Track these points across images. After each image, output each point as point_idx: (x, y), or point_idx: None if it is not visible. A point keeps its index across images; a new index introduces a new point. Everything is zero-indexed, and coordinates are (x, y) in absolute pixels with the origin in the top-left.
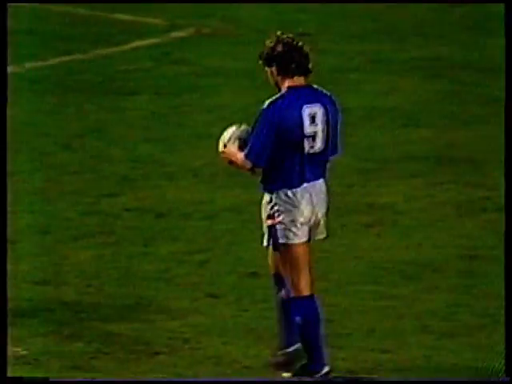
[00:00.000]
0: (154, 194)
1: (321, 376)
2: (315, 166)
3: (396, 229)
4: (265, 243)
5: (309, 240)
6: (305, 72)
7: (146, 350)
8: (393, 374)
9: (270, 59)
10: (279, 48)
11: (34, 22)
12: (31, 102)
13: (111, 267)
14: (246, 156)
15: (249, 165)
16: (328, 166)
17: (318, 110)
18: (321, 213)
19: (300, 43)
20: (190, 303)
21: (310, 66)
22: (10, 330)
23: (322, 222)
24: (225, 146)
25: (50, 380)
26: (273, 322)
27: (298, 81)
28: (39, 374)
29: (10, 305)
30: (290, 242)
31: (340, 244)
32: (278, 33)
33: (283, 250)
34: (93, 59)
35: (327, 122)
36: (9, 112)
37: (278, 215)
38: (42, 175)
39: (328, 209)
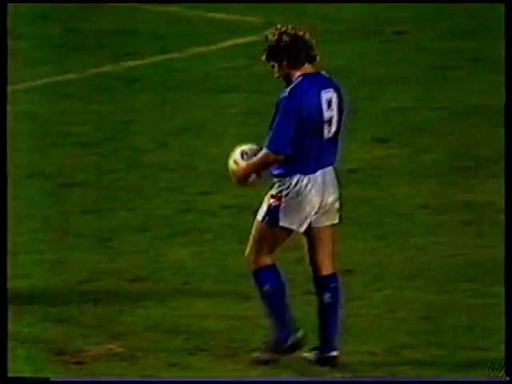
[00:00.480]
0: (250, 192)
1: (327, 357)
2: (331, 152)
3: (494, 227)
4: (259, 218)
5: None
6: (313, 59)
7: (243, 347)
8: (490, 371)
9: (277, 53)
10: (285, 40)
11: (131, 21)
12: (127, 101)
13: (208, 264)
14: (268, 147)
15: (272, 156)
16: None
17: (332, 94)
18: (331, 198)
19: (301, 32)
20: None
21: (315, 52)
22: (106, 327)
23: (333, 208)
24: (236, 163)
25: (51, 380)
26: (368, 320)
27: (308, 69)
28: (135, 372)
29: (104, 302)
30: (290, 226)
31: (437, 242)
32: (279, 25)
33: (270, 228)
34: (189, 58)
35: (339, 107)
36: (105, 110)
37: (285, 199)
38: (138, 173)
39: (340, 195)
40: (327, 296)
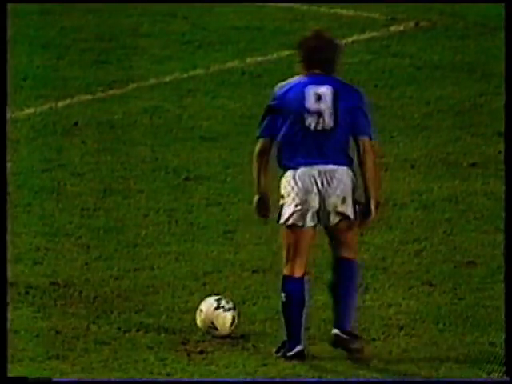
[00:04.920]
0: None
1: (292, 355)
2: (326, 148)
3: None
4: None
5: (314, 226)
6: (315, 66)
7: (363, 337)
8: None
9: (298, 54)
10: (301, 44)
11: (256, 17)
12: (252, 96)
13: (327, 256)
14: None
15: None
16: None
17: (325, 90)
18: (333, 200)
19: (329, 40)
20: (405, 291)
21: (326, 60)
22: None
23: (337, 210)
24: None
25: (53, 380)
26: (489, 311)
27: (315, 71)
28: (254, 361)
29: (227, 293)
30: (287, 222)
31: None
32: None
33: (283, 229)
34: None
35: (335, 103)
36: (230, 105)
37: (285, 195)
38: None
39: (343, 200)
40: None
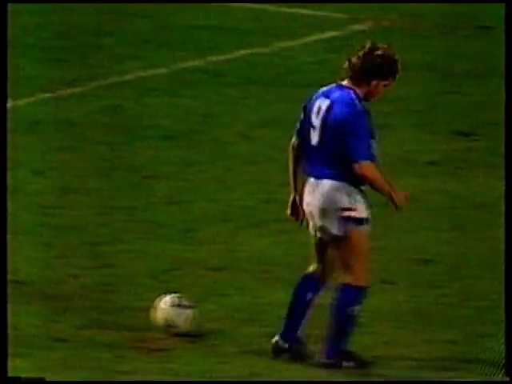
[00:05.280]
0: None
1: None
2: (316, 162)
3: None
4: None
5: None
6: (345, 77)
7: (320, 334)
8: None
9: None
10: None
11: (216, 17)
12: (212, 94)
13: (287, 254)
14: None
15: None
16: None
17: (323, 103)
18: (314, 212)
19: (370, 49)
20: None
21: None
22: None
23: (318, 224)
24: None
25: (47, 380)
26: (446, 308)
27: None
28: (212, 359)
29: (185, 292)
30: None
31: None
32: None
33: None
34: (273, 52)
35: (325, 118)
36: (190, 104)
37: None
38: (221, 165)
39: (322, 213)
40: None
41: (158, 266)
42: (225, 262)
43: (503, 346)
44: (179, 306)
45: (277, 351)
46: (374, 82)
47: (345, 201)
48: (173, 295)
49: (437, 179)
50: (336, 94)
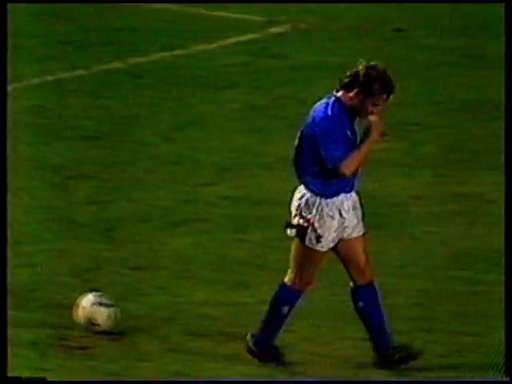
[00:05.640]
0: (249, 183)
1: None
2: (298, 173)
3: (485, 218)
4: None
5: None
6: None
7: (240, 332)
8: (480, 356)
9: None
10: None
11: (136, 19)
12: (132, 96)
13: (207, 253)
14: None
15: None
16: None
17: (311, 113)
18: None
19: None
20: None
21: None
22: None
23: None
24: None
25: (48, 380)
26: None
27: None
28: (133, 356)
29: (106, 290)
30: None
31: (429, 231)
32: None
33: None
34: (193, 54)
35: (302, 130)
36: (111, 105)
37: None
38: (142, 165)
39: (298, 216)
40: (360, 304)
41: (79, 264)
42: (145, 261)
43: (503, 346)
44: (100, 304)
45: None
46: (354, 91)
47: (306, 207)
48: (94, 294)
49: None
50: (317, 106)
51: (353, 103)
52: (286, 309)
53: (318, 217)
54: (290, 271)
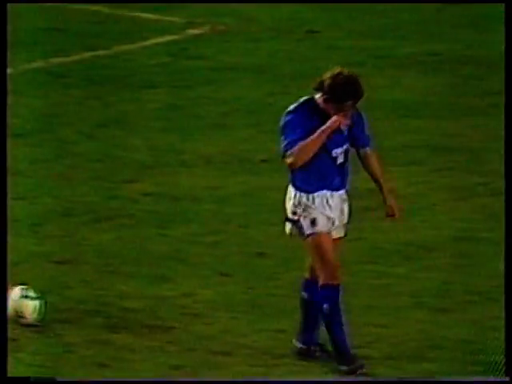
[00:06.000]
0: (170, 180)
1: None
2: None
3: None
4: None
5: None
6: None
7: (161, 325)
8: (390, 347)
9: None
10: None
11: (60, 20)
12: (56, 95)
13: (129, 248)
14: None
15: None
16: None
17: None
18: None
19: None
20: (201, 281)
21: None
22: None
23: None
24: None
25: (58, 380)
26: (278, 299)
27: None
28: (58, 348)
29: (32, 283)
30: None
31: None
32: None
33: None
34: (115, 55)
35: None
36: (36, 104)
37: None
38: (66, 162)
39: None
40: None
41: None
42: (69, 256)
43: (494, 321)
44: (26, 297)
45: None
46: (323, 96)
47: (292, 206)
48: (20, 287)
49: (269, 176)
50: None
51: (322, 106)
52: (326, 306)
53: (304, 209)
54: (317, 272)
